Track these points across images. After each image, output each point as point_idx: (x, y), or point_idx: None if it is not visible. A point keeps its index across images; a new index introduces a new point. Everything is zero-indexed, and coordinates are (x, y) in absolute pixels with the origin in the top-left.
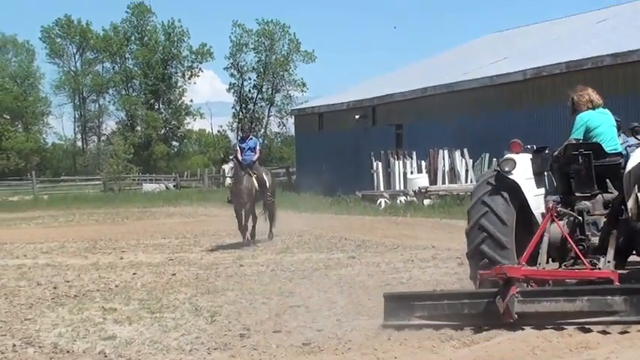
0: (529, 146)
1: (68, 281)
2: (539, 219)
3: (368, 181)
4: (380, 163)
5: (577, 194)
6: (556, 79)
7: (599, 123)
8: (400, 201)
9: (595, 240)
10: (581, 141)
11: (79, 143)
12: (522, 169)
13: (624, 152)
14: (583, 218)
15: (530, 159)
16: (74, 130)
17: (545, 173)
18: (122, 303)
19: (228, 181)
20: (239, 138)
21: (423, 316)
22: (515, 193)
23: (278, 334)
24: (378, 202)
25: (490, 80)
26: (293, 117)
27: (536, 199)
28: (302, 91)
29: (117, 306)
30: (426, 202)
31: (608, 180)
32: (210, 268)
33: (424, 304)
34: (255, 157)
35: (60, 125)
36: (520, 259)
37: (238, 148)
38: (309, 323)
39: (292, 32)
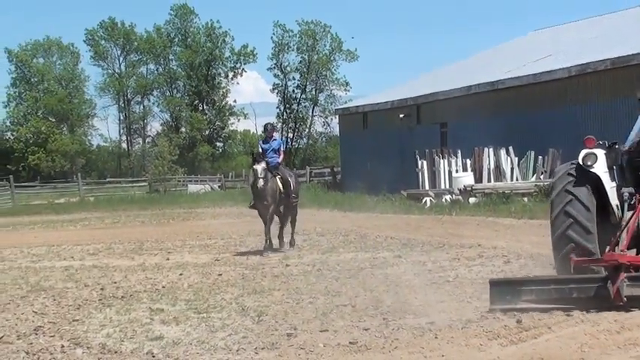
0: (601, 142)
1: (115, 282)
2: (616, 210)
3: (413, 179)
4: (425, 162)
5: None
6: (601, 75)
7: None
8: (445, 199)
9: None
10: None
11: (124, 145)
12: (601, 163)
13: None
14: None
15: (605, 153)
16: (119, 131)
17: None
18: (169, 303)
19: (261, 182)
20: (262, 139)
21: (530, 300)
22: (596, 185)
23: (325, 333)
24: (424, 200)
25: (534, 78)
26: (337, 116)
27: (612, 190)
28: (345, 90)
29: (164, 306)
30: (472, 200)
31: None
32: (256, 268)
33: (531, 288)
34: (279, 159)
35: (105, 127)
36: (620, 247)
37: (261, 149)
38: (356, 322)
39: (334, 32)
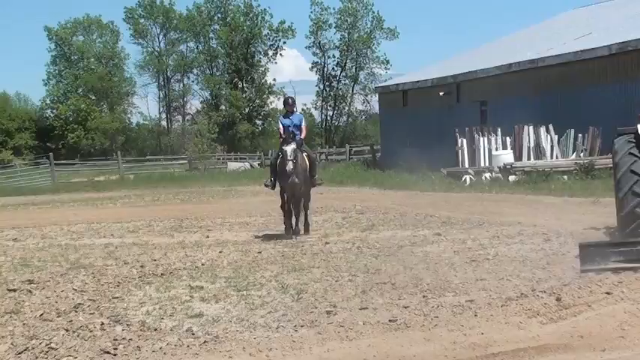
0: None
1: (155, 260)
2: None
3: (453, 157)
4: (465, 140)
5: None
6: None
7: None
8: (485, 177)
9: None
10: None
11: (164, 123)
12: None
13: None
14: None
15: None
16: (159, 109)
17: None
18: (209, 281)
19: (291, 165)
20: (282, 113)
21: (619, 261)
22: None
23: (364, 310)
24: (463, 178)
25: (575, 56)
26: (377, 94)
27: None
28: (385, 68)
29: (203, 284)
30: (511, 178)
31: None
32: (295, 246)
33: (620, 250)
34: (303, 135)
35: (145, 105)
36: None
37: (281, 125)
38: (396, 300)
39: (375, 10)
